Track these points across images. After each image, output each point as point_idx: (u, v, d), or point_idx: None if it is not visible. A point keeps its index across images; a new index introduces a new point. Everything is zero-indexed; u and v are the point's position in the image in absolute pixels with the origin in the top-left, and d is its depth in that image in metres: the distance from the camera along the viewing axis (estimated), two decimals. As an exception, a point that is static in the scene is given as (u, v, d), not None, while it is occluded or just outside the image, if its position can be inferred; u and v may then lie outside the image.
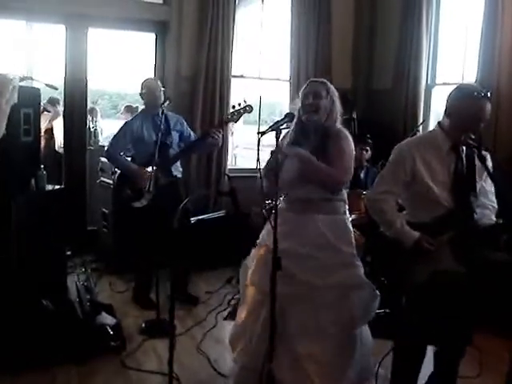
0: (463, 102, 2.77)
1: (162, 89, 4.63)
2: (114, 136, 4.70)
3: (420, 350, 2.99)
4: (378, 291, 3.17)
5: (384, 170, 2.99)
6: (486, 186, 2.88)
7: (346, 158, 3.04)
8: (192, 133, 4.81)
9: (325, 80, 3.20)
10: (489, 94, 2.76)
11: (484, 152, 2.75)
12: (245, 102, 4.29)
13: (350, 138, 3.11)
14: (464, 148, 2.82)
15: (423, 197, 2.83)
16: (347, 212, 3.20)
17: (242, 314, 3.26)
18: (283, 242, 2.77)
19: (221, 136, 4.42)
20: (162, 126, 4.48)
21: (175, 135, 4.62)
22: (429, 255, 2.73)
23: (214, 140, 4.41)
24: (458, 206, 2.76)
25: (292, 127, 3.15)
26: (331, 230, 3.04)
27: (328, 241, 3.02)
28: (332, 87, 3.14)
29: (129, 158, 4.72)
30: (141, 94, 4.66)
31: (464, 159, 2.83)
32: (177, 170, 4.67)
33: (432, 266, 2.70)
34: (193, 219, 5.38)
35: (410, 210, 2.97)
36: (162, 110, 4.30)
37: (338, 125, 3.12)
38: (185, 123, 4.78)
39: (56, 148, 7.39)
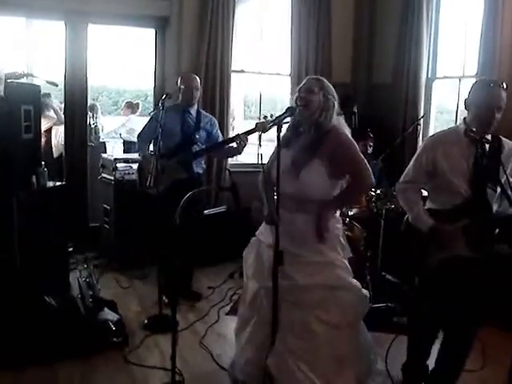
0: (478, 92, 2.94)
1: (199, 88, 4.65)
2: (143, 126, 4.74)
3: (430, 330, 3.21)
4: (378, 287, 3.18)
5: (411, 162, 3.18)
6: None
7: (358, 158, 3.02)
8: (220, 136, 4.79)
9: (322, 78, 3.16)
10: (504, 85, 2.88)
11: (509, 143, 2.95)
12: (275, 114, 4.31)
13: (347, 132, 3.08)
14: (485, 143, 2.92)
15: (445, 188, 2.99)
16: (337, 215, 3.16)
17: (242, 307, 3.28)
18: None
19: (245, 144, 4.40)
20: (192, 123, 4.55)
21: (203, 133, 4.62)
22: (443, 241, 2.89)
23: (239, 146, 4.37)
24: (474, 197, 2.89)
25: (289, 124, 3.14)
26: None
27: (313, 242, 2.99)
28: (328, 84, 3.09)
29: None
30: (179, 88, 4.64)
31: (484, 152, 2.92)
32: (199, 166, 4.65)
33: (445, 251, 2.89)
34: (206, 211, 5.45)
35: (433, 197, 3.12)
36: (163, 106, 4.26)
37: (334, 122, 3.05)
38: (216, 125, 4.77)
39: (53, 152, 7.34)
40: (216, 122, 4.81)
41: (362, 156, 3.05)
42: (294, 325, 2.94)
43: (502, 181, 2.85)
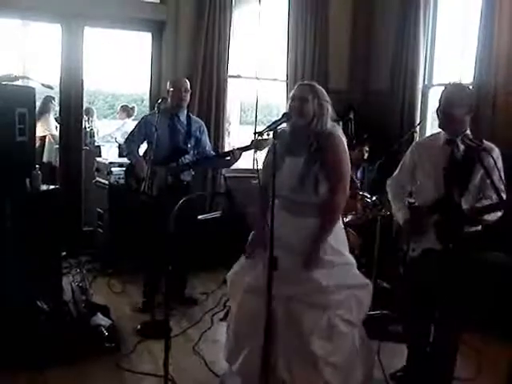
0: None
1: (189, 91, 4.60)
2: (132, 130, 4.68)
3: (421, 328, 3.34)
4: (373, 294, 3.24)
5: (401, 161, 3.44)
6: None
7: (343, 171, 3.03)
8: (208, 143, 4.73)
9: (313, 83, 3.14)
10: (467, 88, 3.14)
11: (490, 146, 3.01)
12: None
13: (342, 138, 3.08)
14: (460, 144, 3.05)
15: (424, 187, 3.20)
16: (340, 217, 3.20)
17: (238, 326, 3.18)
18: (285, 240, 2.78)
19: (237, 160, 4.40)
20: (183, 130, 4.51)
21: (192, 141, 4.56)
22: (420, 235, 3.13)
23: (231, 161, 4.38)
24: (444, 195, 3.04)
25: (286, 130, 3.09)
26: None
27: (329, 243, 3.01)
28: (320, 90, 3.07)
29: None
30: (168, 92, 4.57)
31: (459, 154, 3.06)
32: (187, 175, 4.58)
33: (421, 244, 3.15)
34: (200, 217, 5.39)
35: (416, 195, 3.30)
36: (159, 110, 4.24)
37: (329, 127, 3.04)
38: (205, 131, 4.72)
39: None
40: (205, 128, 4.75)
41: (347, 174, 3.07)
42: (320, 327, 2.93)
43: (472, 185, 3.00)
